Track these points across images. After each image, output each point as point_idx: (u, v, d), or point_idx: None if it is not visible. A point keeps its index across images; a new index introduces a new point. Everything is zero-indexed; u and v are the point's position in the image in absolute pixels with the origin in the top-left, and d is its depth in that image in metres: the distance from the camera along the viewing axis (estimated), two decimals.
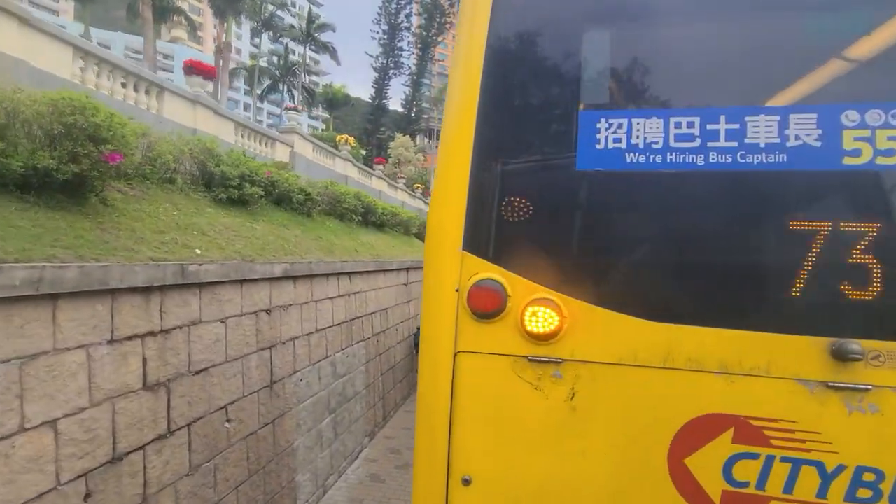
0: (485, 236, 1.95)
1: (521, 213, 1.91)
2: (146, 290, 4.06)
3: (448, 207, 1.97)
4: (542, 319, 1.82)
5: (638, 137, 1.84)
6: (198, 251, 5.33)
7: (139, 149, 6.16)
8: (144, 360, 4.03)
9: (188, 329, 4.53)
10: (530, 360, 1.86)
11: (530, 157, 2.00)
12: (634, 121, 1.84)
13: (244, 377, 5.34)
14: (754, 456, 1.69)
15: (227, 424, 5.04)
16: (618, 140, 1.86)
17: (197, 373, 4.64)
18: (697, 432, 1.73)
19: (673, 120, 1.82)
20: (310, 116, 65.59)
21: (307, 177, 11.55)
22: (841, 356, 1.63)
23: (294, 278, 6.44)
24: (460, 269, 1.92)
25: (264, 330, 5.74)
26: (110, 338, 3.71)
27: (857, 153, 1.69)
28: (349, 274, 8.20)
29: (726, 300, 1.79)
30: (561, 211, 1.93)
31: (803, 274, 1.70)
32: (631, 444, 1.78)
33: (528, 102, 2.02)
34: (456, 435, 1.91)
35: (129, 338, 3.90)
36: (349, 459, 7.98)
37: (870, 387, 1.62)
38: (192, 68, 9.17)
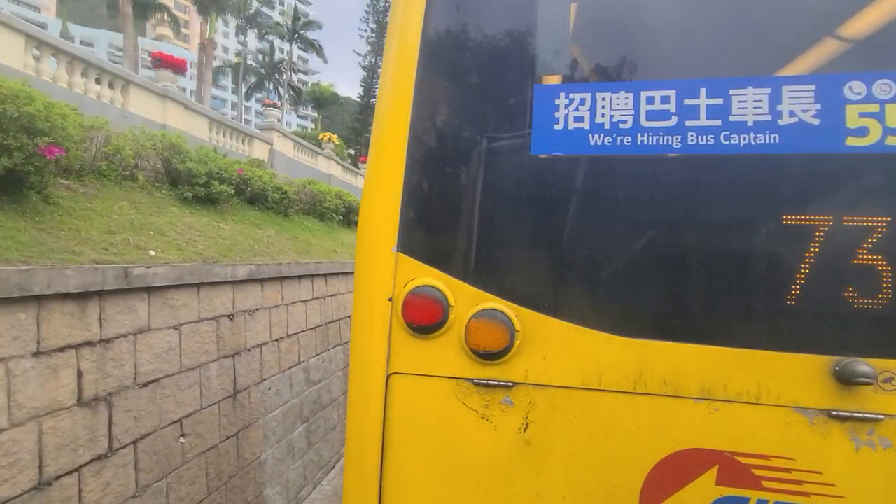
0: (422, 234, 1.63)
1: (466, 207, 1.60)
2: (82, 297, 3.69)
3: (380, 200, 1.65)
4: (490, 334, 1.52)
5: (603, 115, 1.54)
6: (152, 253, 4.97)
7: (93, 143, 5.77)
8: (79, 373, 3.66)
9: (134, 338, 4.16)
10: (476, 384, 1.55)
11: (476, 141, 1.68)
12: (599, 96, 1.54)
13: (202, 388, 4.98)
14: (743, 500, 1.39)
15: (181, 439, 4.67)
16: (580, 119, 1.55)
17: (145, 385, 4.27)
18: (675, 471, 1.43)
19: (644, 94, 1.51)
20: (298, 115, 64.85)
21: (286, 175, 11.19)
22: (846, 379, 1.34)
23: (261, 281, 6.08)
24: (394, 274, 1.60)
25: (226, 336, 5.38)
26: (36, 350, 3.34)
27: (863, 132, 1.40)
28: (325, 275, 7.86)
29: (708, 310, 1.49)
30: (513, 204, 1.61)
31: (800, 278, 1.41)
32: (595, 485, 1.47)
33: (474, 75, 1.71)
34: (389, 474, 1.59)
35: (61, 349, 3.53)
36: (325, 469, 7.63)
37: (881, 416, 1.33)
38: (161, 61, 8.74)
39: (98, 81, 7.97)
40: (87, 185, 5.65)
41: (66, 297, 3.56)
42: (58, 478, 3.46)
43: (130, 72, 8.99)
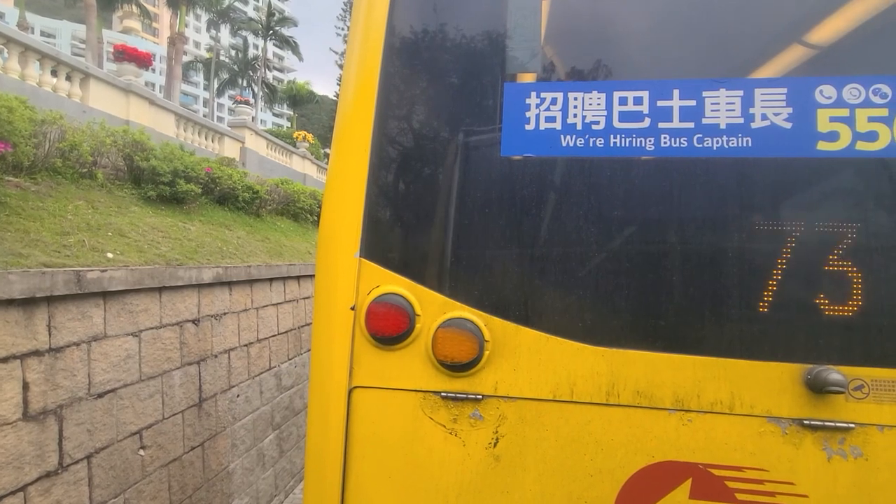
0: (387, 239, 1.55)
1: (432, 211, 1.52)
2: (28, 303, 3.44)
3: (342, 204, 1.56)
4: (458, 345, 1.44)
5: (576, 116, 1.48)
6: (109, 255, 4.70)
7: (46, 138, 5.44)
8: (25, 385, 3.41)
9: (88, 346, 3.92)
10: (444, 397, 1.47)
11: (443, 142, 1.60)
12: (571, 95, 1.48)
13: (164, 397, 4.74)
14: None
15: (141, 452, 4.43)
16: (551, 119, 1.49)
17: (100, 395, 4.03)
18: (648, 485, 1.38)
19: (617, 95, 1.46)
20: (273, 114, 63.53)
21: (258, 174, 10.89)
22: (818, 387, 1.32)
23: (229, 284, 5.85)
24: (356, 282, 1.50)
25: (191, 342, 5.14)
26: None
27: (833, 137, 1.38)
28: (297, 278, 7.65)
29: (681, 318, 1.45)
30: (481, 208, 1.54)
31: (772, 285, 1.38)
32: (568, 501, 1.41)
33: (441, 72, 1.63)
34: (351, 493, 1.49)
35: (4, 360, 3.28)
36: (297, 478, 7.42)
37: (852, 425, 1.31)
38: (124, 54, 8.34)
39: (54, 74, 7.55)
40: (39, 184, 5.32)
41: (9, 303, 3.31)
42: (0, 498, 3.21)
43: (90, 64, 8.56)
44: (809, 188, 1.43)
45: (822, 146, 1.39)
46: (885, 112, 1.35)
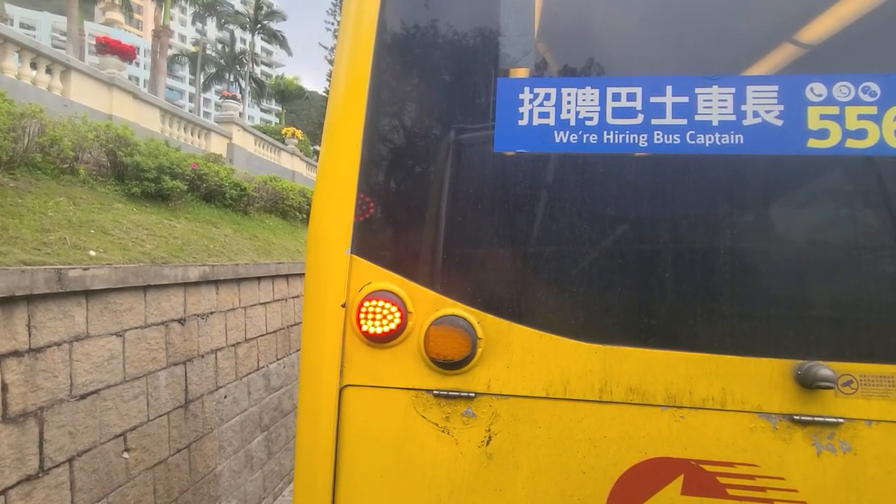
0: (378, 236, 1.52)
1: (425, 207, 1.50)
2: (6, 302, 3.34)
3: (333, 200, 1.53)
4: (451, 342, 1.42)
5: (569, 112, 1.47)
6: (92, 253, 4.60)
7: (25, 132, 5.29)
8: (4, 387, 3.32)
9: (69, 346, 3.82)
10: (436, 396, 1.46)
11: (435, 138, 1.58)
12: (565, 91, 1.47)
13: (150, 398, 4.65)
14: None
15: (125, 454, 4.35)
16: (545, 115, 1.48)
17: (83, 397, 3.93)
18: (640, 481, 1.38)
19: (611, 91, 1.46)
20: (261, 109, 62.81)
21: (246, 171, 10.76)
22: (808, 382, 1.33)
23: (216, 282, 5.76)
24: (348, 278, 1.48)
25: (176, 342, 5.05)
26: None
27: (823, 134, 1.39)
28: (286, 276, 7.56)
29: (673, 315, 1.45)
30: (474, 204, 1.52)
31: (763, 281, 1.39)
32: (561, 499, 1.41)
33: (433, 68, 1.61)
34: (342, 493, 1.47)
35: None
36: (286, 480, 7.35)
37: (841, 420, 1.33)
38: (107, 46, 8.14)
39: (34, 66, 7.35)
40: (17, 179, 5.18)
41: None
42: None
43: (72, 57, 8.35)
44: (800, 185, 1.44)
45: (813, 143, 1.40)
46: (874, 110, 1.37)
